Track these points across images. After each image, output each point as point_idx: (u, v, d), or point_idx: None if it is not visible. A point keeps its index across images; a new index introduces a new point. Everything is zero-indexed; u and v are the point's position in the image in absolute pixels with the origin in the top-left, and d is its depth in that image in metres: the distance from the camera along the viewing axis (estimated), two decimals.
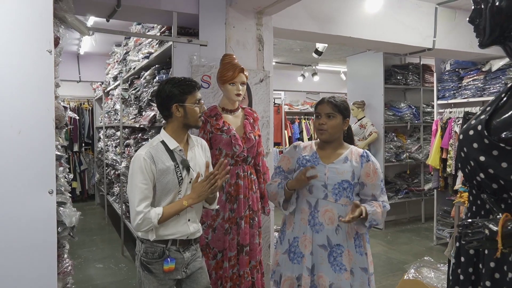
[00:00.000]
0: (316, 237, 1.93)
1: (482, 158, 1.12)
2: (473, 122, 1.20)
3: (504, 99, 1.18)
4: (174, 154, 1.84)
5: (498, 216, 1.07)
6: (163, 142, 1.86)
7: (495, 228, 1.04)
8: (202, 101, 1.91)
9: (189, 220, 1.87)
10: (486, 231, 1.05)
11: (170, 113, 1.86)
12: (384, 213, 1.92)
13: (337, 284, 1.88)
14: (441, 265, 2.87)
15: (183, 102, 1.83)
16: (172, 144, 1.85)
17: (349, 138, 2.10)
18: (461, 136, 1.23)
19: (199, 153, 1.96)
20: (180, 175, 1.83)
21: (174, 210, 1.79)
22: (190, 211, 1.88)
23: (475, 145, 1.15)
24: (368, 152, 2.00)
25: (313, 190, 1.96)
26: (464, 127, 1.23)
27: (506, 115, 1.11)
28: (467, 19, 1.23)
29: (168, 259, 1.81)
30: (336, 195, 1.91)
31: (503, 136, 1.08)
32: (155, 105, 3.39)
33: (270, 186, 2.08)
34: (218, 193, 1.98)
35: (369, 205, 1.89)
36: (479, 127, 1.14)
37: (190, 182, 1.85)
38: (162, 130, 1.91)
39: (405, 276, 2.77)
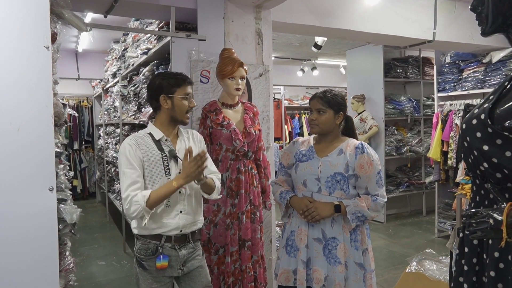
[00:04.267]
0: (311, 231, 1.94)
1: (485, 147, 1.11)
2: (476, 111, 1.19)
3: (508, 87, 1.16)
4: (161, 144, 1.83)
5: (502, 206, 1.06)
6: (150, 134, 1.85)
7: (499, 218, 1.03)
8: (192, 98, 1.89)
9: (181, 211, 1.83)
10: (491, 221, 1.05)
11: (158, 105, 1.86)
12: (375, 207, 1.90)
13: (332, 277, 1.88)
14: (443, 257, 2.87)
15: (172, 94, 1.83)
16: (158, 134, 1.84)
17: (349, 130, 2.07)
18: (463, 126, 1.21)
19: (190, 144, 1.93)
20: (167, 164, 1.81)
21: (163, 191, 1.72)
22: (181, 203, 1.84)
23: (478, 134, 1.13)
24: (364, 144, 1.96)
25: (307, 184, 1.96)
26: (466, 116, 1.22)
27: (510, 103, 1.10)
28: (469, 7, 1.22)
29: (161, 256, 1.78)
30: (329, 188, 1.91)
31: (507, 124, 1.07)
32: None
33: (275, 187, 2.14)
34: (219, 184, 1.95)
35: (352, 200, 1.90)
36: (483, 116, 1.13)
37: (179, 172, 1.80)
38: (150, 123, 1.91)
39: (407, 269, 2.77)
